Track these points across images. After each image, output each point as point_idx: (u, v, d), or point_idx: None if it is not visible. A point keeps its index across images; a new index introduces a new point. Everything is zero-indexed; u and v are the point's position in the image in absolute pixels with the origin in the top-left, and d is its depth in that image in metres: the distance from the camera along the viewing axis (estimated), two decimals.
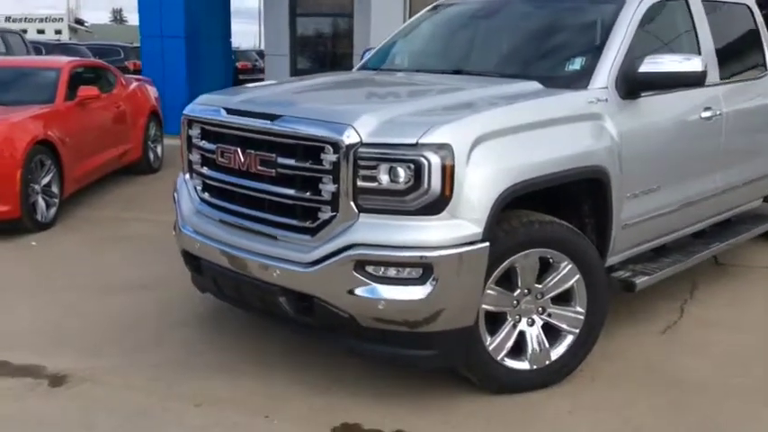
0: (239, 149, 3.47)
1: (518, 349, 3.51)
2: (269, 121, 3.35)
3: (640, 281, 4.06)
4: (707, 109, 4.41)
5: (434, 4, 5.09)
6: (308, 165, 3.20)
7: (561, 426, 3.28)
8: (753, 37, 5.20)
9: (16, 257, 5.66)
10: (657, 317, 4.51)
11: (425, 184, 3.02)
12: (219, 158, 3.59)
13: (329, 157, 3.12)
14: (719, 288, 5.07)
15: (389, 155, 3.04)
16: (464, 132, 3.09)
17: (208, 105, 3.76)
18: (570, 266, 3.50)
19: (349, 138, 3.06)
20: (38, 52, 19.21)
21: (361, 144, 3.06)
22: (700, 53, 4.49)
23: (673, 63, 3.81)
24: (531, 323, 3.53)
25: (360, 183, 3.08)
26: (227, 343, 4.03)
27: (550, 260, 3.47)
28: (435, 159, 3.01)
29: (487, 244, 3.12)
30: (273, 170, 3.32)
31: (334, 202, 3.14)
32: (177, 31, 12.38)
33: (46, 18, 75.45)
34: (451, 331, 3.19)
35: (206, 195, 3.76)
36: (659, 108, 4.06)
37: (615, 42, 3.92)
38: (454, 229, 3.06)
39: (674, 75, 3.81)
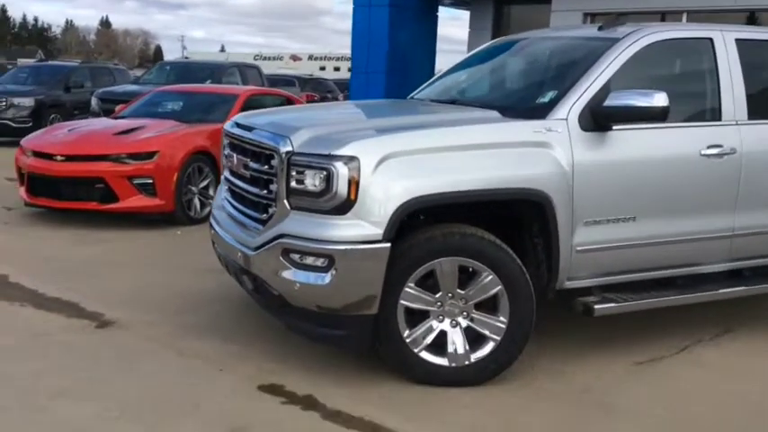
0: (235, 155, 4.33)
1: (442, 346, 3.92)
2: (248, 132, 4.17)
3: (600, 307, 4.17)
4: (713, 146, 4.37)
5: (487, 44, 5.56)
6: (265, 168, 3.95)
7: (449, 415, 3.63)
8: None
9: (158, 241, 7.04)
10: (649, 349, 4.52)
11: (334, 189, 3.61)
12: (229, 163, 4.48)
13: (275, 162, 3.84)
14: (754, 337, 4.85)
15: (311, 162, 3.68)
16: (372, 148, 3.64)
17: (234, 121, 4.66)
18: (491, 277, 3.83)
19: (285, 147, 3.76)
20: (291, 84, 22.00)
21: (293, 153, 3.74)
22: (719, 93, 4.48)
23: (633, 98, 3.95)
24: (455, 325, 3.91)
25: (292, 184, 3.75)
26: (243, 317, 4.86)
27: (470, 269, 3.84)
28: (343, 169, 3.59)
29: (388, 245, 3.62)
30: (248, 172, 4.13)
31: (277, 200, 3.86)
32: (380, 68, 13.68)
33: (341, 57, 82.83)
34: (357, 317, 3.72)
35: (227, 194, 4.66)
36: (638, 141, 4.17)
37: (588, 79, 4.14)
38: (356, 229, 3.61)
39: (632, 108, 3.95)
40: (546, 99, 4.21)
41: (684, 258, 4.46)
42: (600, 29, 4.65)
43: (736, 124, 4.49)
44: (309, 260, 3.71)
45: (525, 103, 4.30)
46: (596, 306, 4.18)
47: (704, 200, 4.41)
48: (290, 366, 4.11)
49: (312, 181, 3.69)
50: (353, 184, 3.60)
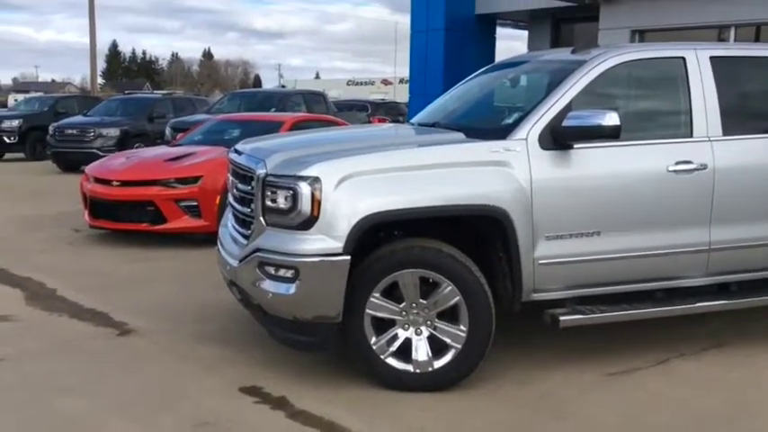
0: (231, 178, 4.78)
1: (407, 353, 4.20)
2: (239, 156, 4.62)
3: (565, 318, 4.36)
4: (682, 162, 4.49)
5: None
6: (248, 189, 4.37)
7: (403, 417, 3.91)
8: None
9: (199, 260, 7.57)
10: (626, 361, 4.65)
11: (299, 207, 3.99)
12: (230, 185, 4.94)
13: (254, 183, 4.26)
14: (741, 352, 4.87)
15: (281, 183, 4.08)
16: (333, 169, 4.00)
17: (234, 147, 5.12)
18: (450, 288, 4.10)
19: (261, 169, 4.18)
20: (363, 109, 22.58)
21: (267, 174, 4.14)
22: (691, 110, 4.60)
23: (586, 117, 4.16)
24: (419, 333, 4.19)
25: (267, 203, 4.15)
26: (248, 326, 5.27)
27: (430, 280, 4.12)
28: (306, 188, 3.97)
29: (348, 257, 3.96)
30: (238, 193, 4.57)
31: (255, 217, 4.27)
32: (436, 91, 14.02)
33: None
34: (322, 324, 4.07)
35: (230, 214, 5.11)
36: (599, 159, 4.36)
37: (550, 100, 4.37)
38: (318, 243, 3.97)
39: (585, 128, 4.15)
40: (510, 120, 4.46)
41: (657, 272, 4.57)
42: (573, 52, 4.85)
43: (709, 140, 4.59)
44: (281, 272, 4.09)
45: (492, 124, 4.57)
46: (562, 318, 4.37)
47: (674, 214, 4.52)
48: (275, 371, 4.49)
49: (282, 200, 4.08)
50: (316, 202, 3.97)
